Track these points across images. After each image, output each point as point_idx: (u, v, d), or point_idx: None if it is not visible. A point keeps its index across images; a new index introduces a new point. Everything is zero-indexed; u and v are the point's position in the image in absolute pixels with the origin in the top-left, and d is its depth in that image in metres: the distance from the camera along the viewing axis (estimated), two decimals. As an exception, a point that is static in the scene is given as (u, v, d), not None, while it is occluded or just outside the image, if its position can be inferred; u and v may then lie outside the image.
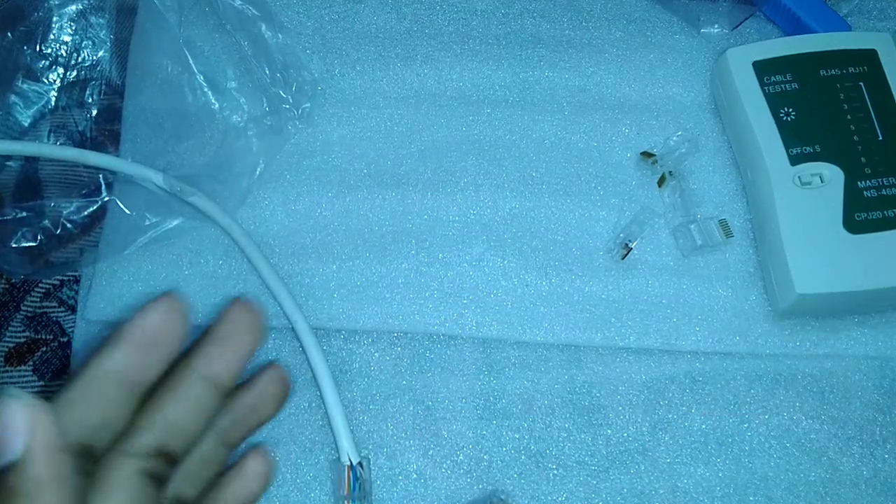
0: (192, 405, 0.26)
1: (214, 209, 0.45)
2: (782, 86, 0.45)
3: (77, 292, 0.46)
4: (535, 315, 0.44)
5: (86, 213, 0.46)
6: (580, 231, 0.46)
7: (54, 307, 0.46)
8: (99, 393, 0.24)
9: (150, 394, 0.26)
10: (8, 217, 0.45)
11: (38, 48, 0.48)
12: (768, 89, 0.45)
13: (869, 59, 0.45)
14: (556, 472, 0.42)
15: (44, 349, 0.45)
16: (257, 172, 0.47)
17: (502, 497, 0.41)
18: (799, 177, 0.43)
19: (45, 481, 0.22)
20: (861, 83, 0.45)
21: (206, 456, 0.28)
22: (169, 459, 0.25)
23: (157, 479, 0.25)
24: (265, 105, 0.47)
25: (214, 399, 0.27)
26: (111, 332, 0.25)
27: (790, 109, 0.44)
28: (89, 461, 0.24)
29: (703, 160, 0.48)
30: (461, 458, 0.42)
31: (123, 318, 0.25)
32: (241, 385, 0.30)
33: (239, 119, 0.47)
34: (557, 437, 0.42)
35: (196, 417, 0.26)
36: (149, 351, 0.25)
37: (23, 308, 0.46)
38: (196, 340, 0.27)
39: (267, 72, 0.47)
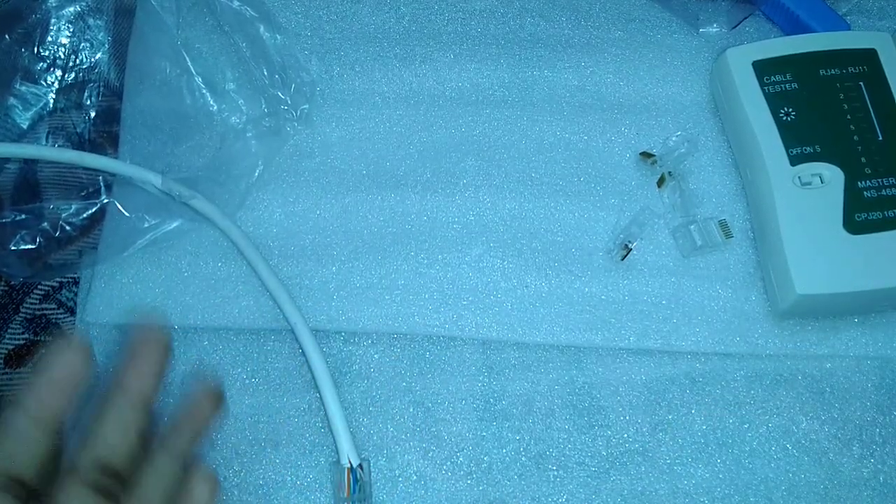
0: (118, 420, 0.30)
1: (213, 211, 0.45)
2: (782, 85, 0.45)
3: (76, 294, 0.46)
4: (535, 316, 0.44)
5: (85, 215, 0.46)
6: (580, 232, 0.46)
7: (53, 309, 0.46)
8: (15, 432, 0.29)
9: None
10: (7, 220, 0.45)
11: (36, 50, 0.48)
12: (768, 89, 0.45)
13: (869, 58, 0.45)
14: (556, 473, 0.42)
15: (43, 351, 0.45)
16: (256, 174, 0.46)
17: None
18: (799, 177, 0.43)
19: None
20: (861, 83, 0.45)
21: (158, 469, 0.31)
22: (114, 474, 0.29)
23: (107, 493, 0.29)
24: (264, 106, 0.47)
25: (136, 412, 0.31)
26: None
27: (790, 109, 0.44)
28: (23, 490, 0.28)
29: (702, 160, 0.48)
30: (461, 459, 0.42)
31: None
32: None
33: (237, 121, 0.47)
34: (558, 438, 0.42)
35: (125, 431, 0.30)
36: (50, 391, 0.29)
37: (22, 310, 0.46)
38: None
39: (265, 73, 0.47)
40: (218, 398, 0.34)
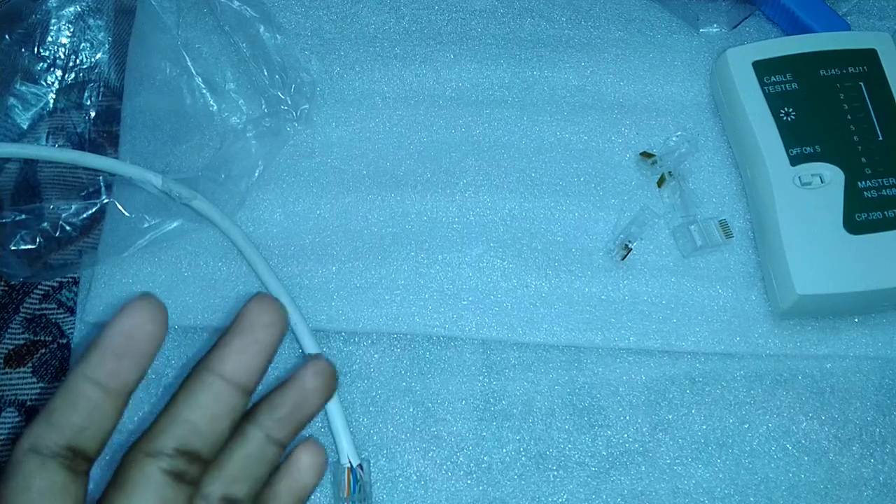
0: (210, 405, 0.26)
1: (213, 211, 0.45)
2: (782, 86, 0.45)
3: (76, 294, 0.46)
4: (535, 316, 0.44)
5: (85, 215, 0.46)
6: (580, 232, 0.46)
7: (53, 309, 0.46)
8: (79, 397, 0.25)
9: (173, 396, 0.26)
10: (7, 220, 0.44)
11: (36, 50, 0.48)
12: (768, 89, 0.45)
13: (869, 58, 0.45)
14: (556, 473, 0.42)
15: (43, 351, 0.45)
16: (256, 174, 0.46)
17: None
18: (799, 177, 0.43)
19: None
20: (861, 83, 0.45)
21: (252, 454, 0.27)
22: (193, 458, 0.25)
23: (181, 477, 0.25)
24: (264, 106, 0.47)
25: (234, 397, 0.26)
26: (92, 338, 0.26)
27: (790, 109, 0.44)
28: (82, 461, 0.25)
29: (702, 160, 0.48)
30: (461, 459, 0.42)
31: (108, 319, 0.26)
32: (284, 381, 0.28)
33: (237, 121, 0.47)
34: (558, 438, 0.42)
35: (215, 417, 0.26)
36: (122, 356, 0.25)
37: (22, 310, 0.46)
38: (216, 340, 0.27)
39: (265, 73, 0.47)
40: (330, 387, 0.28)
